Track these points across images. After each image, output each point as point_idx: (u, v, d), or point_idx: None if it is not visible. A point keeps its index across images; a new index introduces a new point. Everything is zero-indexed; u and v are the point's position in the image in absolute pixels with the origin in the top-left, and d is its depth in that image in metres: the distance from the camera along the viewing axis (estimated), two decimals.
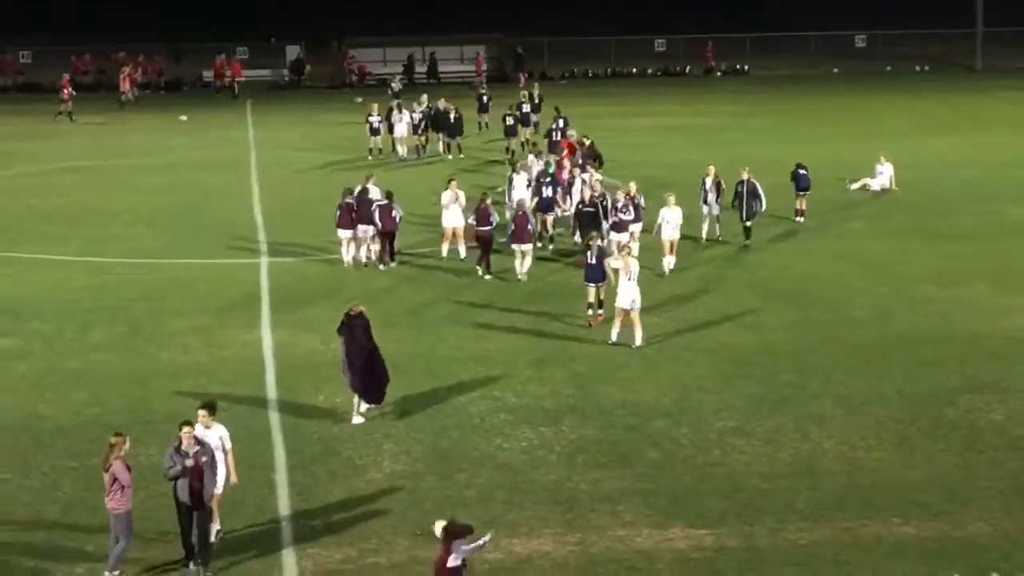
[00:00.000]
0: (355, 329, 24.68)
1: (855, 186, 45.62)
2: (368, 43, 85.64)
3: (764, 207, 37.75)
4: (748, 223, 37.48)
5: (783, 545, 19.39)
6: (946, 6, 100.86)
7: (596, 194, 35.37)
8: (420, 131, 54.32)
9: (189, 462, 18.30)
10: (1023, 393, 25.51)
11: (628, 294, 28.21)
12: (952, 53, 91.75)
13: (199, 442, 18.53)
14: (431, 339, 29.03)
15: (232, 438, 19.77)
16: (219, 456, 19.18)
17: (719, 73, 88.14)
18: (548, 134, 50.82)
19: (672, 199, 34.39)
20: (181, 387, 26.31)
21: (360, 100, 67.97)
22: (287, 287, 33.64)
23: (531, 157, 41.72)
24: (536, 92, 59.14)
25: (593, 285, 29.89)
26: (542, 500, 20.99)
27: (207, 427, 19.31)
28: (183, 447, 18.39)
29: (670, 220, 34.13)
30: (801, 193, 40.94)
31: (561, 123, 50.51)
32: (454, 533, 16.00)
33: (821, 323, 30.35)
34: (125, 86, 72.78)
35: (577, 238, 35.45)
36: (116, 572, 18.32)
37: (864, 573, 18.24)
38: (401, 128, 53.76)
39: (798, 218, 40.98)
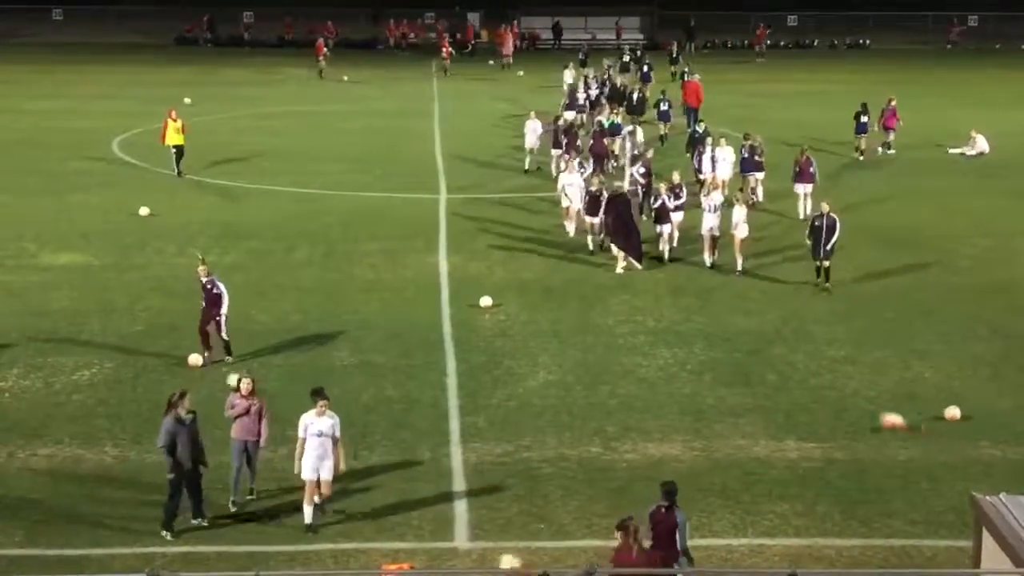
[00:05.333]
0: (618, 205, 28.34)
1: (955, 151, 44.11)
2: (537, 12, 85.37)
3: (835, 240, 27.35)
4: (826, 263, 27.33)
5: (884, 460, 19.04)
6: None
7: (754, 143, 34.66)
8: (595, 106, 47.19)
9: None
10: None
11: (707, 223, 29.00)
12: None
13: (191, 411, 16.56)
14: (585, 267, 28.89)
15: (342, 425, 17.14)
16: (327, 443, 16.63)
17: (846, 47, 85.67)
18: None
19: (740, 196, 30.57)
20: (369, 300, 26.66)
21: (521, 74, 65.92)
22: (461, 219, 33.72)
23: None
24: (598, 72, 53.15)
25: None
26: (674, 411, 20.86)
27: (320, 415, 16.60)
28: (183, 416, 16.43)
29: (737, 218, 28.51)
30: (860, 135, 42.08)
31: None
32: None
33: (926, 269, 29.55)
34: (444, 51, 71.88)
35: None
36: None
37: (955, 488, 17.79)
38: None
39: (857, 154, 42.22)
